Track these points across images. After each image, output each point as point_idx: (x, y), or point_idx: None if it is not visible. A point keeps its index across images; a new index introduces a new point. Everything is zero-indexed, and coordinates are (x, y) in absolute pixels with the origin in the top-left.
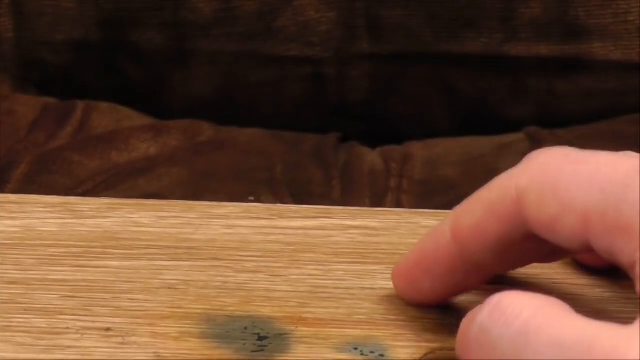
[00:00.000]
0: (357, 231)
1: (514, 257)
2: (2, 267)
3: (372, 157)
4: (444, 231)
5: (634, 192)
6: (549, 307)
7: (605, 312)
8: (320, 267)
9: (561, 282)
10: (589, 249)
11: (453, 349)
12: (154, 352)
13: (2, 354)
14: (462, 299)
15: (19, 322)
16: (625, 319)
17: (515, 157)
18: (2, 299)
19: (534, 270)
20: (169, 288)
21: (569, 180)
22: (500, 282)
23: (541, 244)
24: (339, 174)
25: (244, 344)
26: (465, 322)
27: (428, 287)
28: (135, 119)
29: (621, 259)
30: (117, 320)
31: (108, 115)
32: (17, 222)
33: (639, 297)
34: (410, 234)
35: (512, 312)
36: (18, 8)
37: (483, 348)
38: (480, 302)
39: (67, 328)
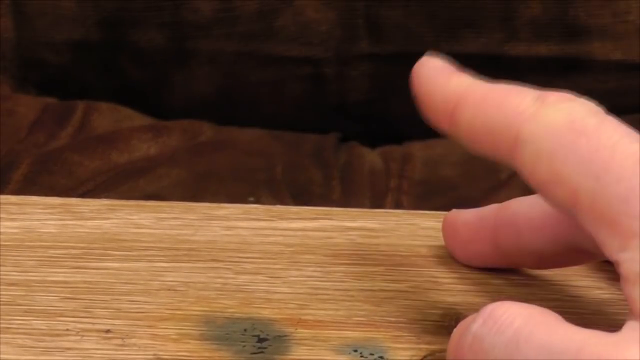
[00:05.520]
0: (356, 232)
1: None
2: (2, 268)
3: (372, 157)
4: (448, 101)
5: (627, 186)
6: (540, 316)
7: (603, 313)
8: (320, 269)
9: (559, 284)
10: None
11: None
12: (154, 354)
13: (2, 356)
14: (460, 303)
15: (19, 324)
16: (622, 321)
17: None
18: (2, 301)
19: (533, 272)
20: (169, 290)
21: (566, 152)
22: (500, 283)
23: None
24: (339, 174)
25: (244, 346)
26: (457, 331)
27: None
28: (135, 119)
29: (604, 251)
30: (117, 322)
31: (108, 115)
32: (16, 224)
33: (625, 296)
34: (409, 235)
35: (504, 321)
36: (18, 8)
37: (476, 356)
38: (475, 310)
39: (67, 330)
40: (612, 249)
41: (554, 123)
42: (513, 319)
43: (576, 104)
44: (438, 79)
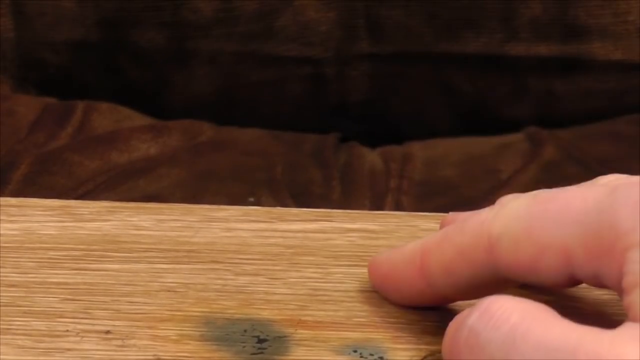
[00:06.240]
0: (356, 234)
1: (482, 293)
2: (2, 270)
3: (372, 157)
4: (414, 259)
5: (609, 215)
6: (536, 311)
7: (603, 314)
8: (320, 270)
9: None
10: (574, 281)
11: None
12: (154, 355)
13: (2, 357)
14: (460, 303)
15: (18, 325)
16: (622, 322)
17: (515, 158)
18: (2, 302)
19: None
20: (169, 291)
21: (541, 220)
22: None
23: (510, 282)
24: (339, 175)
25: (244, 347)
26: (452, 325)
27: (396, 298)
28: (135, 119)
29: (608, 284)
30: (116, 323)
31: (108, 116)
32: (16, 225)
33: (624, 306)
34: (409, 237)
35: (500, 316)
36: (18, 8)
37: (472, 350)
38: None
39: (67, 331)
40: (614, 279)
41: (518, 207)
42: (509, 314)
43: (527, 193)
44: (392, 255)
